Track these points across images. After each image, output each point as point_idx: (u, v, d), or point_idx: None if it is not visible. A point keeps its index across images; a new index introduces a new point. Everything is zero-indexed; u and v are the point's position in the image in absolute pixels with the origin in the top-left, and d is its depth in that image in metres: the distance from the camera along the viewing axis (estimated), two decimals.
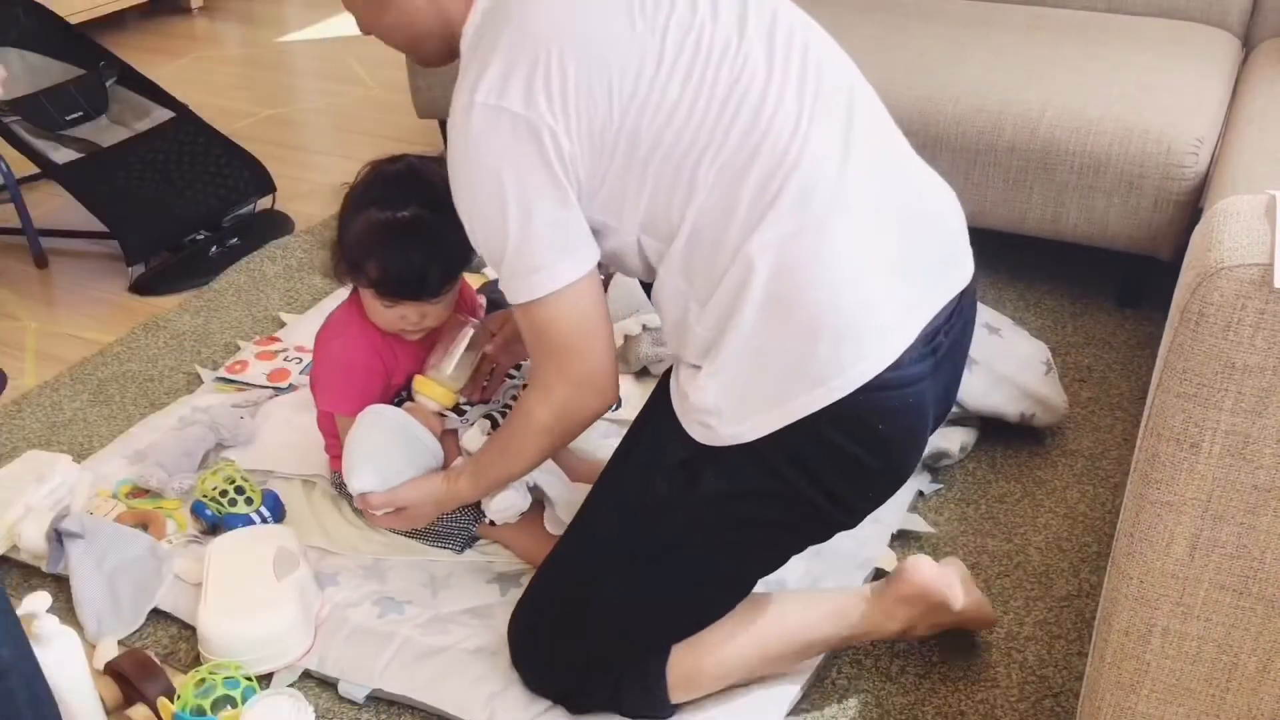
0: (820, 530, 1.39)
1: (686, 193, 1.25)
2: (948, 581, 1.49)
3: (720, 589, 1.41)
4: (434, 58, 1.42)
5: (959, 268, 1.36)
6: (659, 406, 1.39)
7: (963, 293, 1.35)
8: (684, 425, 1.31)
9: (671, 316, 1.32)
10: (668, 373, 1.42)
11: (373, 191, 1.58)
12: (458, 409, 1.67)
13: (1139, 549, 0.99)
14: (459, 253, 1.59)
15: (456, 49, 1.35)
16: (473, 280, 2.34)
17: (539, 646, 1.46)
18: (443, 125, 3.03)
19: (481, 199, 1.27)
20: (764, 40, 1.28)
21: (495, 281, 2.30)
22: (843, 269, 1.23)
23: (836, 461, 1.28)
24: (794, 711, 1.48)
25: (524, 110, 1.22)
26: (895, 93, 2.31)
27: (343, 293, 2.03)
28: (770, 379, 1.24)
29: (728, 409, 1.26)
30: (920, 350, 1.27)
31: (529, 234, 1.26)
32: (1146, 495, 0.97)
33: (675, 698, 1.43)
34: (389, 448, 1.56)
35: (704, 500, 1.32)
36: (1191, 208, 2.15)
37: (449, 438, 1.65)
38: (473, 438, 1.62)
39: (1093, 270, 2.43)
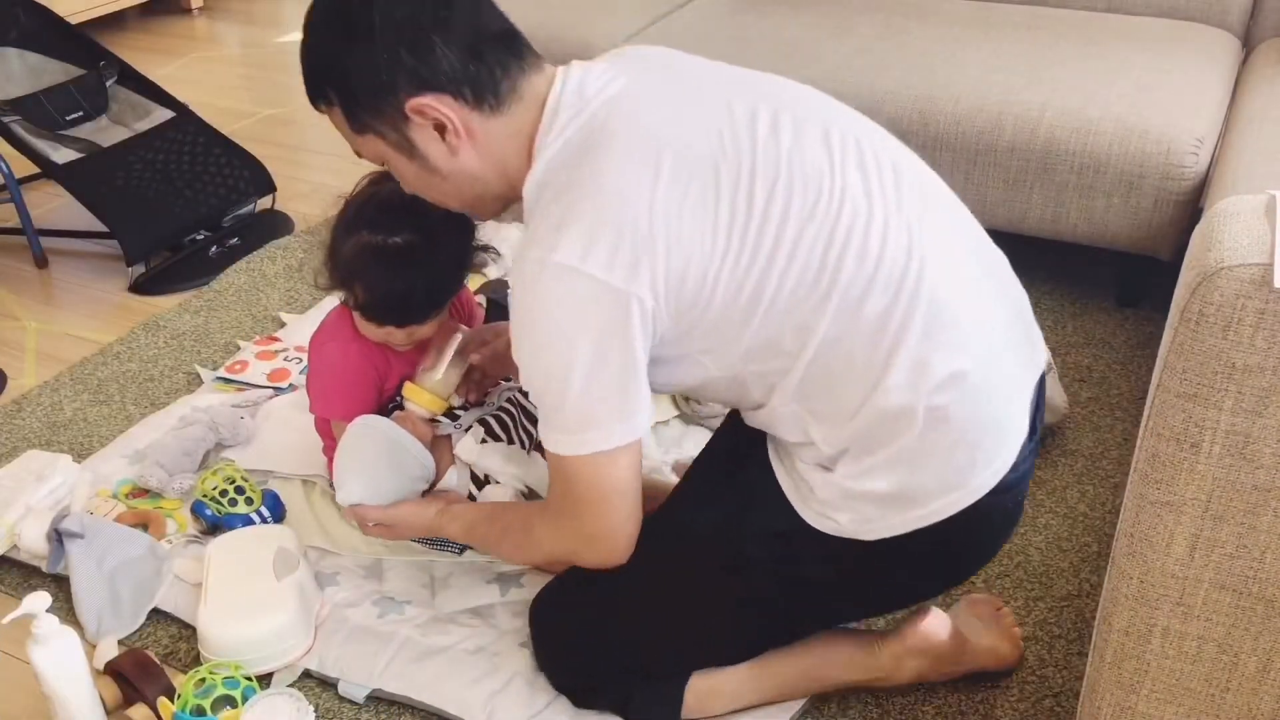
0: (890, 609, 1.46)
1: (801, 330, 1.21)
2: (955, 633, 1.49)
3: (770, 640, 1.43)
4: (492, 213, 1.37)
5: (1037, 347, 1.37)
6: (753, 462, 1.35)
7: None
8: (796, 508, 1.30)
9: (791, 437, 1.29)
10: (737, 417, 1.40)
11: (367, 212, 1.55)
12: (450, 414, 1.66)
13: (1139, 549, 0.99)
14: (447, 281, 1.59)
15: (517, 199, 1.30)
16: (473, 281, 2.34)
17: (565, 636, 1.46)
18: None
19: (547, 357, 1.21)
20: (855, 164, 1.24)
21: (496, 281, 2.29)
22: (980, 382, 1.23)
23: (945, 559, 1.33)
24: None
25: (606, 275, 1.16)
26: (895, 93, 2.31)
27: None
28: (907, 487, 1.25)
29: (857, 509, 1.26)
30: (1029, 445, 1.30)
31: (589, 398, 1.21)
32: (1146, 495, 0.97)
33: (685, 714, 1.44)
34: (377, 460, 1.55)
35: (795, 577, 1.33)
36: (1191, 208, 2.15)
37: (442, 443, 1.65)
38: (466, 447, 1.61)
39: (1093, 270, 2.43)
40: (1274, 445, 0.90)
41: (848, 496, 1.26)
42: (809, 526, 1.29)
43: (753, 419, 1.34)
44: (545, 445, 1.27)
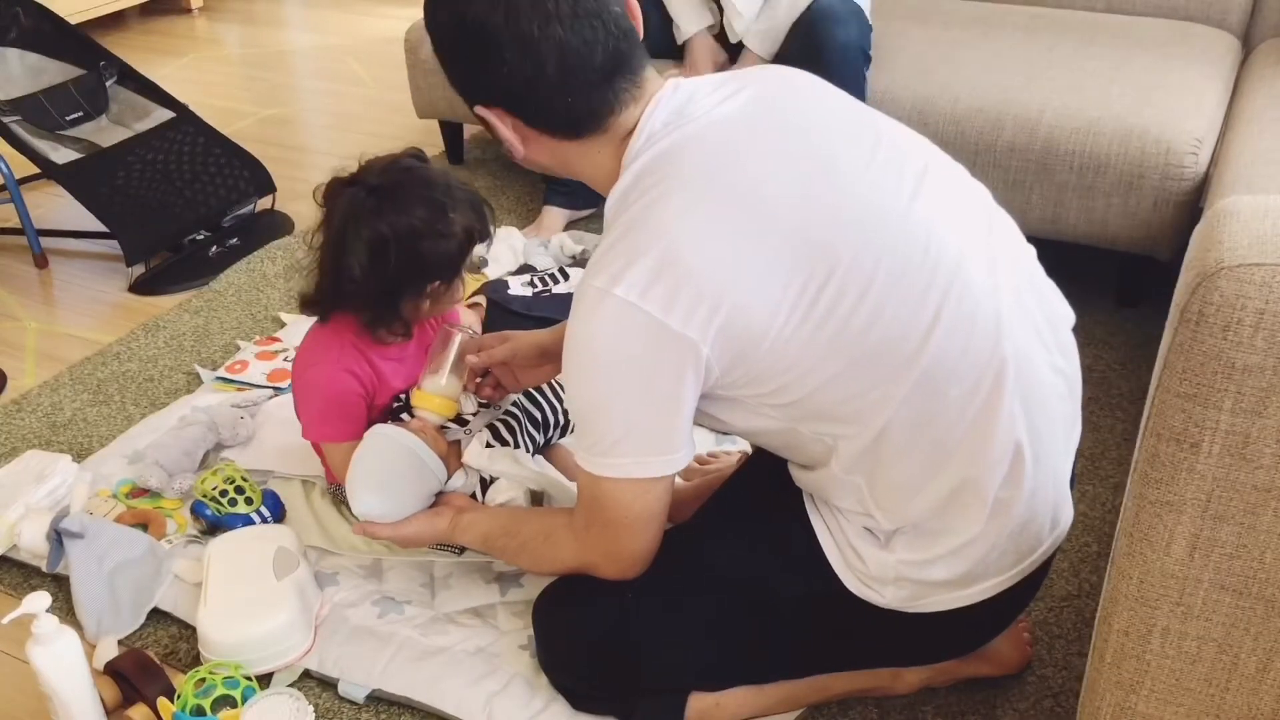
0: None
1: (874, 400, 1.18)
2: None
3: (784, 673, 1.43)
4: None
5: (1079, 416, 1.37)
6: (794, 516, 1.33)
7: None
8: (840, 575, 1.29)
9: (843, 504, 1.28)
10: (765, 456, 1.38)
11: (373, 206, 1.52)
12: (459, 419, 1.66)
13: (1139, 549, 0.99)
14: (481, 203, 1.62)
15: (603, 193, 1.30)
16: (472, 282, 2.34)
17: (571, 639, 1.45)
18: (442, 125, 3.03)
19: (593, 384, 1.22)
20: (951, 222, 1.21)
21: (496, 281, 2.29)
22: (1050, 463, 1.24)
23: (979, 626, 1.36)
24: None
25: (662, 316, 1.15)
26: (895, 93, 2.31)
27: None
28: (968, 574, 1.25)
29: (909, 589, 1.27)
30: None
31: (631, 430, 1.21)
32: (1146, 495, 0.97)
33: None
34: (394, 472, 1.54)
35: (823, 628, 1.34)
36: (1191, 208, 2.15)
37: (451, 448, 1.64)
38: (474, 452, 1.61)
39: (1093, 270, 2.43)
40: (1274, 445, 0.90)
41: (902, 579, 1.26)
42: (849, 593, 1.29)
43: (804, 479, 1.31)
44: (579, 462, 1.27)
